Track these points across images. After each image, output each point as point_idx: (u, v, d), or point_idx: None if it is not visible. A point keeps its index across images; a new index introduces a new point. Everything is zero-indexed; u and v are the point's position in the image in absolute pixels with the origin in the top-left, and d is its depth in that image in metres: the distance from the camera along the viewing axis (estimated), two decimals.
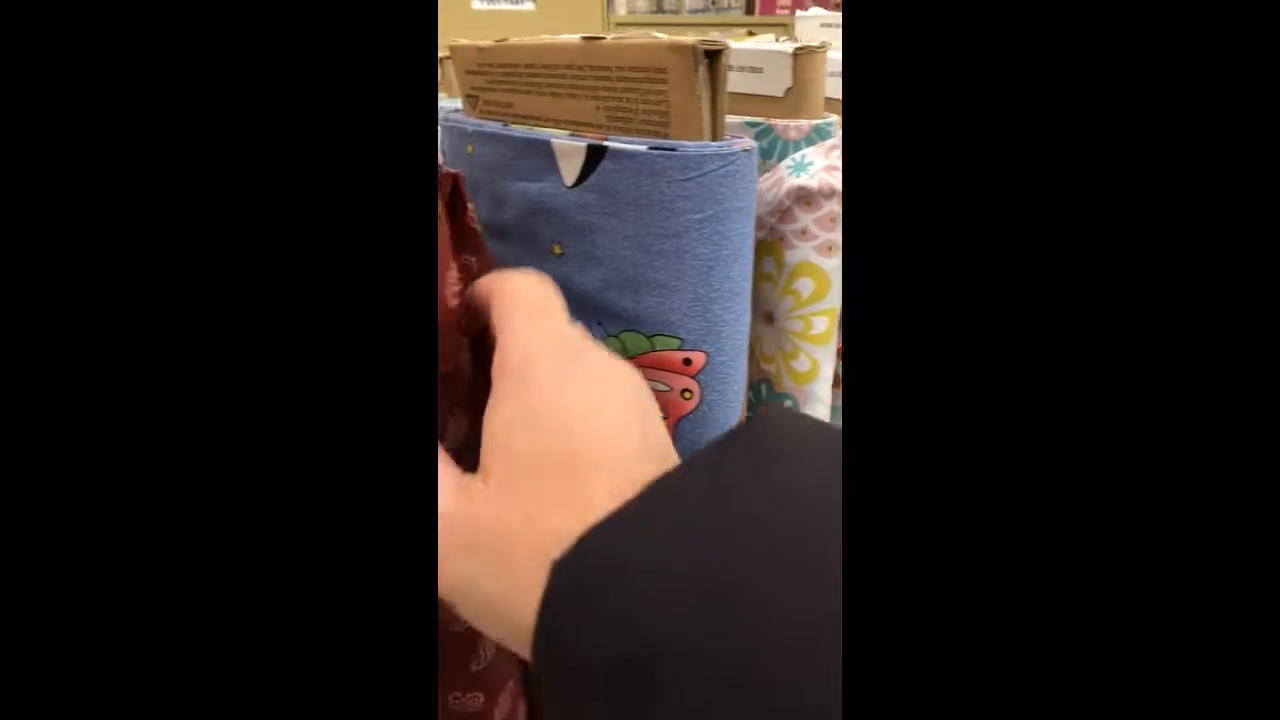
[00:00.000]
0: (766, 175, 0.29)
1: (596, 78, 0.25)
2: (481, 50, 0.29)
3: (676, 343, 0.25)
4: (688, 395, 0.26)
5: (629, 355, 0.27)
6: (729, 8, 2.09)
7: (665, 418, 0.27)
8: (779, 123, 0.30)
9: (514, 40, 0.28)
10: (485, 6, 1.55)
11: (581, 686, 0.14)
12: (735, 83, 0.31)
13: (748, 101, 0.30)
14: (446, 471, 0.17)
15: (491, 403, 0.18)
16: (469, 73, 0.30)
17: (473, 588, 0.16)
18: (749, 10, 2.10)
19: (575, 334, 0.19)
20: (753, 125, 0.30)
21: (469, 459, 0.18)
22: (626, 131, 0.25)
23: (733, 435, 0.17)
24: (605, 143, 0.24)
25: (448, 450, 0.18)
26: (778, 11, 2.09)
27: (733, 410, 0.27)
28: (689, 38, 0.22)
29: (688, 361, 0.26)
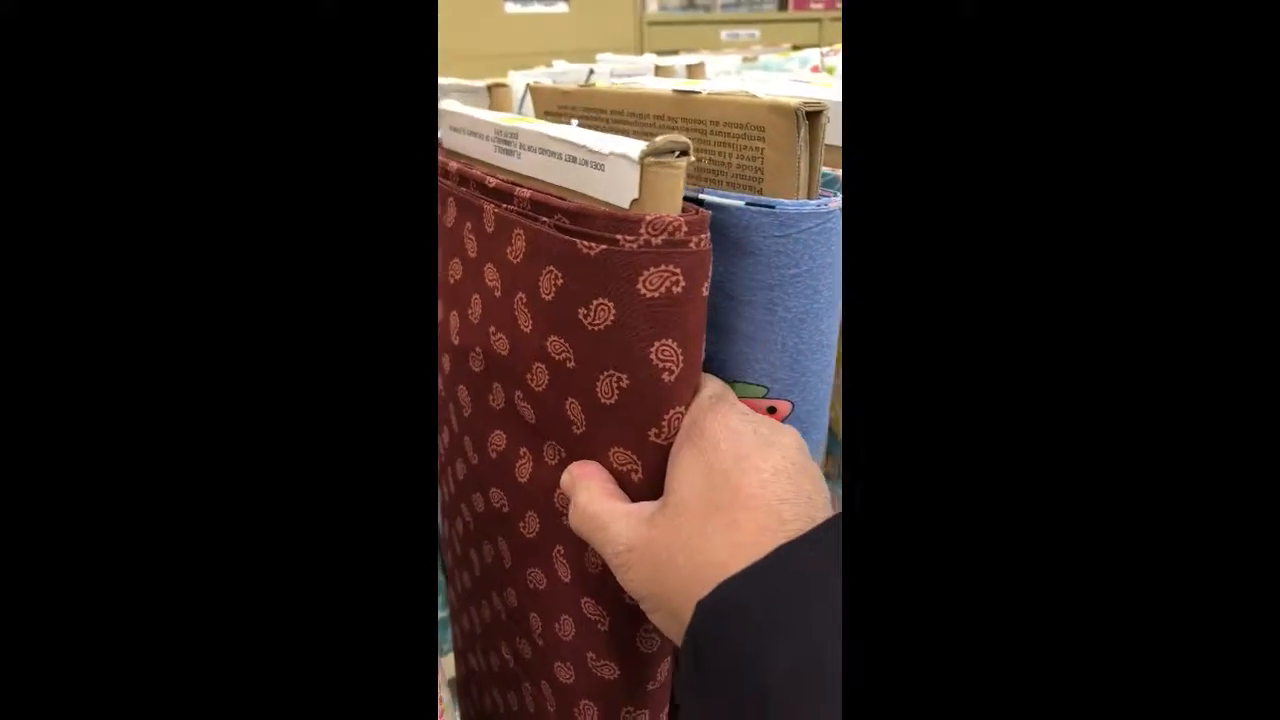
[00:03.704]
0: None
1: (689, 130, 0.27)
2: (566, 93, 0.31)
3: (761, 391, 0.27)
4: None
5: None
6: (761, 4, 2.10)
7: None
8: None
9: (601, 85, 0.29)
10: (518, 9, 1.58)
11: (705, 697, 0.20)
12: None
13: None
14: (630, 506, 0.24)
15: (676, 450, 0.24)
16: (549, 114, 0.32)
17: (650, 593, 0.23)
18: (782, 6, 2.11)
19: (743, 408, 0.25)
20: (827, 178, 0.32)
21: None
22: (717, 184, 0.26)
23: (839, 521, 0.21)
24: (700, 195, 0.25)
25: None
26: (811, 7, 2.10)
27: (814, 458, 0.29)
28: (790, 99, 0.24)
29: (772, 410, 0.27)
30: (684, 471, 0.23)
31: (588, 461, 0.26)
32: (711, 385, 0.25)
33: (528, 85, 0.33)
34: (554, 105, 0.32)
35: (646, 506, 0.24)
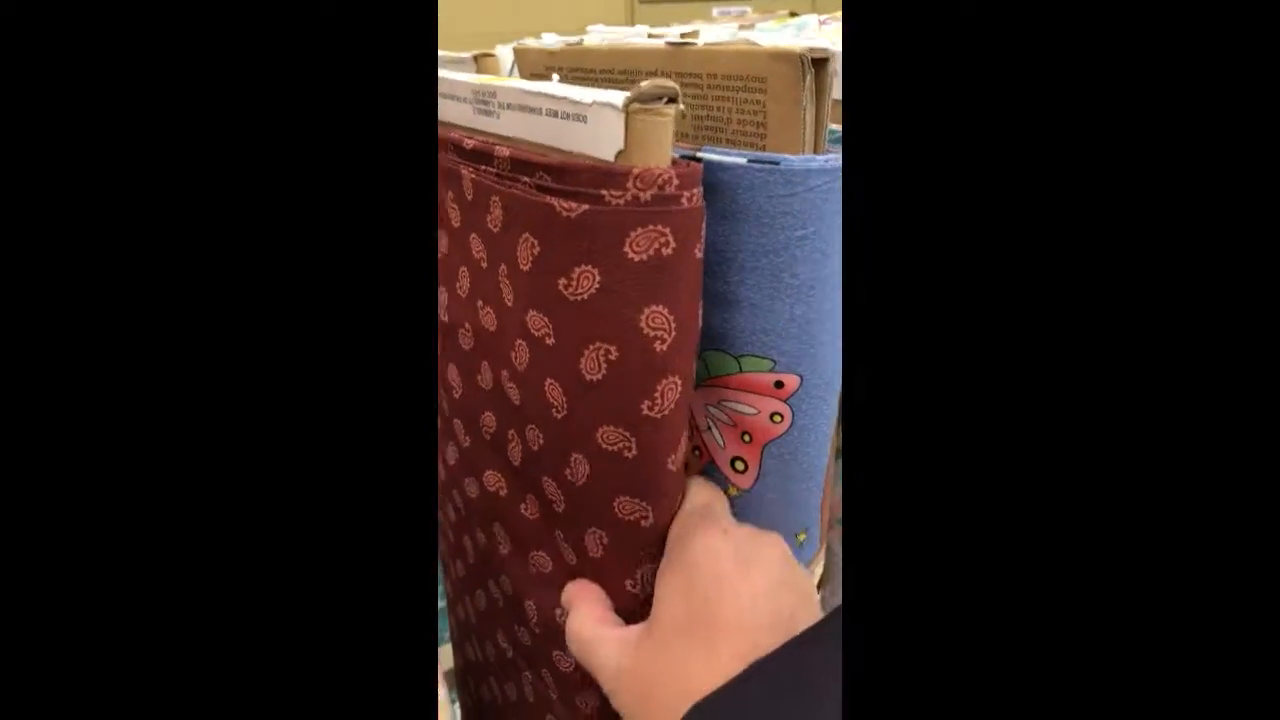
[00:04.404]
0: None
1: (685, 85, 0.25)
2: (552, 54, 0.29)
3: (768, 364, 0.25)
4: (778, 419, 0.26)
5: (712, 376, 0.26)
6: None
7: (750, 441, 0.27)
8: None
9: (589, 43, 0.28)
10: None
11: None
12: None
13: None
14: (620, 631, 0.24)
15: (662, 570, 0.24)
16: (535, 76, 0.30)
17: (633, 716, 0.23)
18: None
19: (728, 523, 0.24)
20: (835, 135, 0.30)
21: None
22: (716, 142, 0.25)
23: (821, 629, 0.21)
24: (698, 154, 0.23)
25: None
26: None
27: (824, 435, 0.27)
28: (794, 46, 0.22)
29: (779, 384, 0.25)
30: (667, 594, 0.23)
31: (584, 582, 0.26)
32: (698, 495, 0.25)
33: (514, 48, 0.31)
34: (540, 67, 0.30)
35: (634, 631, 0.24)
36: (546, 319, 0.23)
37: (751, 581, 0.22)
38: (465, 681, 0.41)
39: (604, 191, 0.20)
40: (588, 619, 0.25)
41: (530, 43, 0.30)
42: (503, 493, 0.29)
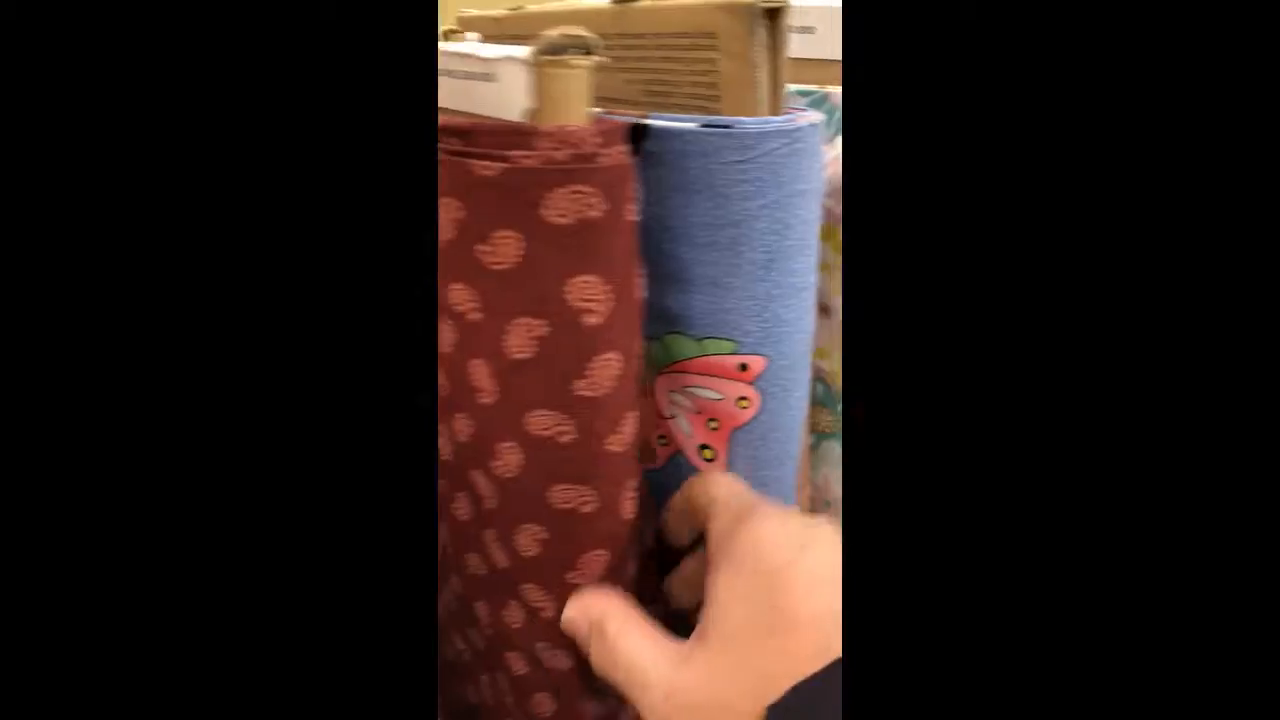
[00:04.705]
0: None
1: (627, 47, 0.23)
2: (497, 21, 0.27)
3: (731, 346, 0.23)
4: (744, 404, 0.24)
5: (673, 360, 0.25)
6: None
7: (717, 427, 0.25)
8: (836, 91, 0.27)
9: (533, 8, 0.26)
10: None
11: None
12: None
13: (800, 67, 0.28)
14: (664, 642, 0.21)
15: (711, 575, 0.21)
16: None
17: None
18: None
19: (767, 508, 0.22)
20: (805, 94, 0.28)
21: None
22: (666, 108, 0.23)
23: None
24: (645, 121, 0.22)
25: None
26: None
27: (795, 418, 0.25)
28: None
29: (744, 367, 0.24)
30: (722, 600, 0.21)
31: (602, 593, 0.23)
32: (721, 486, 0.23)
33: (458, 17, 0.29)
34: (485, 37, 0.28)
35: (682, 646, 0.21)
36: (470, 291, 0.21)
37: (809, 565, 0.20)
38: (444, 681, 0.39)
39: (511, 152, 0.18)
40: (623, 635, 0.22)
41: (474, 12, 0.28)
42: (439, 489, 0.27)
